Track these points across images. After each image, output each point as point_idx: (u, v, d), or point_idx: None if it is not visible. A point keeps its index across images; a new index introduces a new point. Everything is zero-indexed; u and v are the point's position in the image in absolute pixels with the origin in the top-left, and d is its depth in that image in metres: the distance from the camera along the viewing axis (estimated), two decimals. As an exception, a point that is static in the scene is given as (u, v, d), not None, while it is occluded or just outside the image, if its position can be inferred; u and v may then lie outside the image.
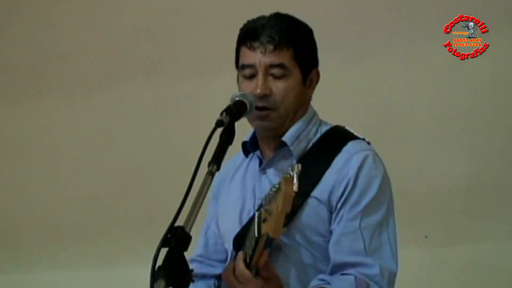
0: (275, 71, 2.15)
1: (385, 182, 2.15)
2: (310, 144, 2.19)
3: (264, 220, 1.78)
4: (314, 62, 2.25)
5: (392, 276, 2.09)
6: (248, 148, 2.27)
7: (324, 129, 2.23)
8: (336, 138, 2.20)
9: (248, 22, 2.22)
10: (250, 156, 2.29)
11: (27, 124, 4.41)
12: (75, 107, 4.33)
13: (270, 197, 1.77)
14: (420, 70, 3.69)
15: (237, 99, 2.10)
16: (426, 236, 3.60)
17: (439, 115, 3.66)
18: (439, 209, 3.60)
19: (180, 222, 1.88)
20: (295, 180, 1.72)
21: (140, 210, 4.09)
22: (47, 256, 4.26)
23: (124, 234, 4.08)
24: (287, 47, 2.15)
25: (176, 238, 1.84)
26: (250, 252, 1.90)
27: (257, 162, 2.26)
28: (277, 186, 1.75)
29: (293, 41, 2.16)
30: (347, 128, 2.26)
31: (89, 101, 4.29)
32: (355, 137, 2.20)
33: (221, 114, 2.04)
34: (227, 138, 2.01)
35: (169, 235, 1.84)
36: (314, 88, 2.25)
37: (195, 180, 1.93)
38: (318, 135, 2.21)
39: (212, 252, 2.36)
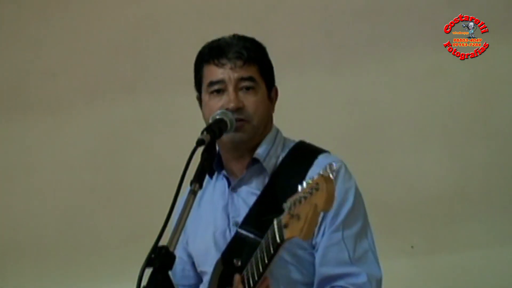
0: (246, 84, 2.19)
1: (358, 192, 2.20)
2: (280, 159, 2.23)
3: (286, 226, 1.75)
4: (274, 80, 2.30)
5: (379, 283, 2.14)
6: (214, 168, 2.28)
7: (290, 144, 2.27)
8: (306, 152, 2.23)
9: (209, 42, 2.26)
10: (214, 176, 2.31)
11: (8, 141, 4.38)
12: (56, 124, 4.30)
13: (297, 201, 1.75)
14: (402, 76, 3.69)
15: (217, 117, 2.13)
16: (412, 247, 3.60)
17: (421, 124, 3.67)
18: (424, 219, 3.60)
19: (163, 242, 1.87)
20: (332, 178, 1.70)
21: (123, 229, 4.06)
22: (30, 276, 4.22)
23: (108, 254, 4.05)
24: (254, 63, 2.20)
25: (160, 258, 1.83)
26: (266, 261, 1.87)
27: (224, 181, 2.28)
28: (312, 182, 1.72)
29: (257, 57, 2.22)
30: (311, 143, 2.29)
31: (70, 119, 4.28)
32: (323, 151, 2.24)
33: (202, 132, 2.05)
34: (208, 156, 2.02)
35: (153, 255, 1.84)
36: (274, 105, 2.29)
37: (177, 199, 1.93)
38: (286, 150, 2.24)
39: (179, 278, 2.37)
